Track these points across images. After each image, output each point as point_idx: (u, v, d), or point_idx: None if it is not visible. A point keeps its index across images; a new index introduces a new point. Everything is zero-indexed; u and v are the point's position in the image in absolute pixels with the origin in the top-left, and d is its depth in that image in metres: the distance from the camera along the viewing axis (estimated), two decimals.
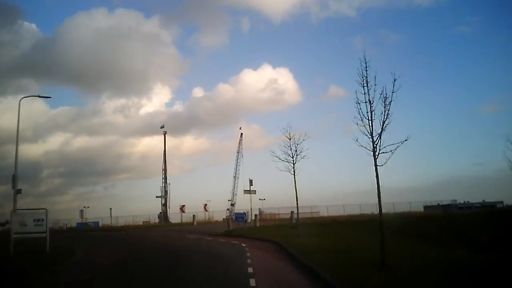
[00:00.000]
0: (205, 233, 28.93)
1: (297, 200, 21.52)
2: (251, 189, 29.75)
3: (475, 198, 55.78)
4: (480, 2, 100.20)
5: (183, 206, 59.16)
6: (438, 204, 53.40)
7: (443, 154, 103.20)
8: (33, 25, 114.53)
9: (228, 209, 63.46)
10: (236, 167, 65.83)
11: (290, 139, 21.58)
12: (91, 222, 58.62)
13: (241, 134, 66.88)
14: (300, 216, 45.70)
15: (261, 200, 49.49)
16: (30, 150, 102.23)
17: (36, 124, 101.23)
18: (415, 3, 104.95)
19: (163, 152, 66.65)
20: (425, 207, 53.17)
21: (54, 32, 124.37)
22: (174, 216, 61.21)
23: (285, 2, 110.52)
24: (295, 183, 21.37)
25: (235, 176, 65.91)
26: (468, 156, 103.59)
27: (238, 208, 47.36)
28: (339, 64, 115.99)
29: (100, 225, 58.49)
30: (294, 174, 21.39)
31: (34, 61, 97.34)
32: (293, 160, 21.45)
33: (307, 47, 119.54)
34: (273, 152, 21.96)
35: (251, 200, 29.99)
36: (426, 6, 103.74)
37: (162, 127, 67.65)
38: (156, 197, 62.84)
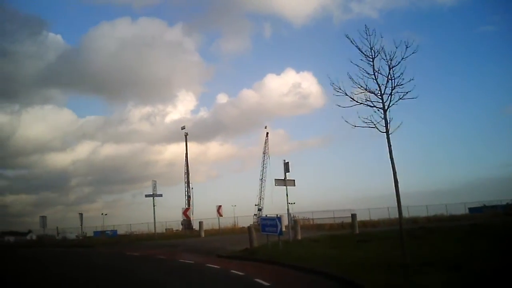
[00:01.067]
0: (213, 252, 17.41)
1: (396, 186, 9.79)
2: (288, 178, 18.08)
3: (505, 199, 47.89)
4: None
5: (187, 209, 46.75)
6: (484, 205, 46.94)
7: (468, 156, 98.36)
8: (58, 36, 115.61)
9: (255, 215, 57.03)
10: (263, 169, 61.02)
11: (373, 58, 10.07)
12: (108, 231, 54.10)
13: (267, 133, 62.47)
14: (333, 222, 34.40)
15: (291, 204, 39.01)
16: (59, 159, 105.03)
17: (65, 134, 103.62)
18: (438, 3, 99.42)
19: (185, 156, 61.08)
20: (470, 209, 45.86)
21: (79, 42, 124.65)
22: (197, 224, 53.11)
23: (306, 6, 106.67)
24: (390, 149, 9.82)
25: (261, 178, 61.16)
26: (494, 157, 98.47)
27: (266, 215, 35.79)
28: None
29: (117, 233, 53.46)
30: (386, 128, 9.88)
31: (60, 71, 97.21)
32: (382, 100, 9.95)
33: (330, 50, 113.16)
34: (338, 88, 10.31)
35: (287, 196, 18.22)
36: (449, 6, 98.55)
37: (183, 128, 62.92)
38: (146, 196, 53.43)
